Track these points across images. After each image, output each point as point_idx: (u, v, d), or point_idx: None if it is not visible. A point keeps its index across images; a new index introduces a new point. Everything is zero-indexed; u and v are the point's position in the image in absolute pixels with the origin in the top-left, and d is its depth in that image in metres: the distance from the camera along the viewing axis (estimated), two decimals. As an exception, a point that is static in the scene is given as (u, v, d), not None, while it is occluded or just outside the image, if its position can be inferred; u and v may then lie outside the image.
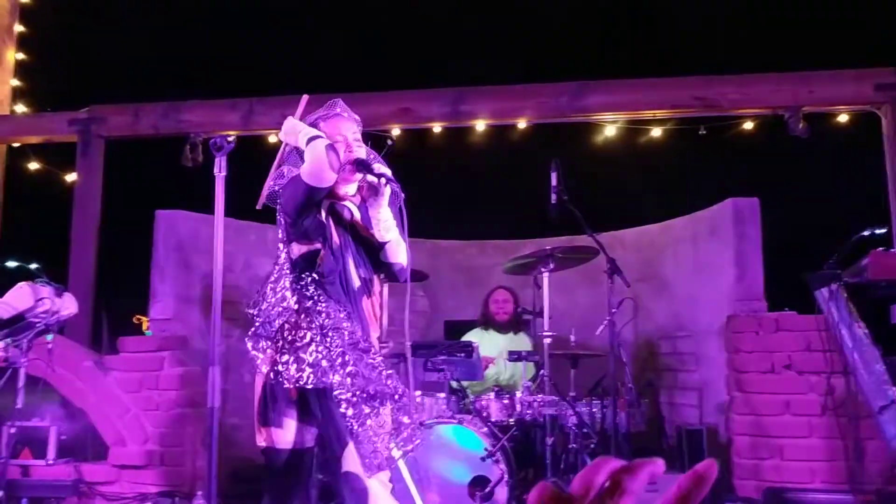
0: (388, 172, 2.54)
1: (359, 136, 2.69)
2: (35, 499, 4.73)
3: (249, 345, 2.52)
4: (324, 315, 2.45)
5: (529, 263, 4.69)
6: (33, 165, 6.58)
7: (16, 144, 6.57)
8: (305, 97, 2.59)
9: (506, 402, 4.42)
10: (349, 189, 2.64)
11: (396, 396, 2.44)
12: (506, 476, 3.92)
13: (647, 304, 5.84)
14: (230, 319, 5.71)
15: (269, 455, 2.52)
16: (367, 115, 3.10)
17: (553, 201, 4.35)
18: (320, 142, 2.42)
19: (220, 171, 2.21)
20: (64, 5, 7.07)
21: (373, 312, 2.57)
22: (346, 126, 2.67)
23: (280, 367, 2.44)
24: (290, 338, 2.46)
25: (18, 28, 6.86)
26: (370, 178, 2.57)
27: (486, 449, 3.95)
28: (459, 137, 6.00)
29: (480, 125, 5.91)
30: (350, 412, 2.35)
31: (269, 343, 2.48)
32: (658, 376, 5.94)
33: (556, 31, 6.96)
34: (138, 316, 5.35)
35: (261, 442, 2.53)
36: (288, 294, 2.47)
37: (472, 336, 5.30)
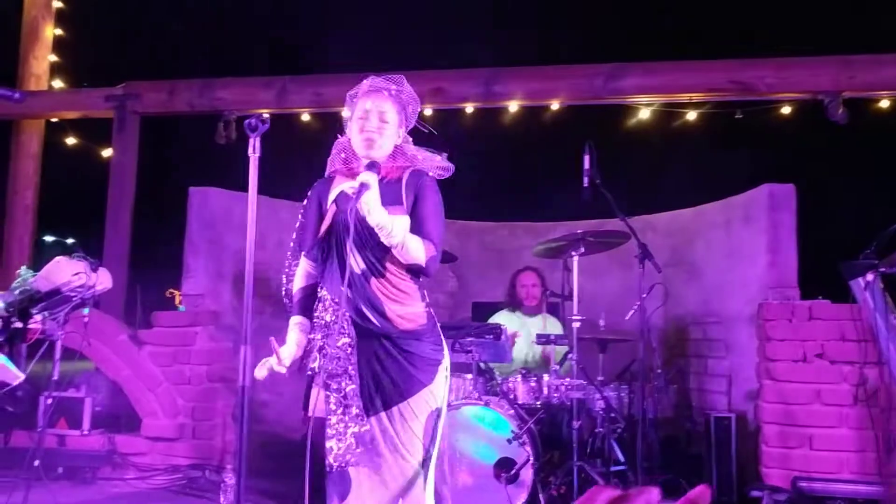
0: (373, 182, 2.39)
1: (390, 116, 2.58)
2: (70, 467, 4.85)
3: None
4: (319, 301, 2.54)
5: (560, 247, 4.67)
6: (70, 140, 6.68)
7: (53, 119, 6.67)
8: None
9: (533, 384, 4.42)
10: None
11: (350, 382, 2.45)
12: (531, 458, 3.93)
13: (677, 289, 5.79)
14: (261, 296, 5.77)
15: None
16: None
17: (585, 184, 4.32)
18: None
19: (254, 151, 2.22)
20: (102, -19, 7.14)
21: (395, 288, 2.52)
22: (376, 103, 2.58)
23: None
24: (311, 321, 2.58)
25: (57, 3, 6.94)
26: (346, 188, 2.53)
27: (512, 431, 3.97)
28: (492, 118, 5.97)
29: (513, 106, 5.87)
30: (329, 400, 2.44)
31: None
32: (687, 362, 5.90)
33: (592, 11, 6.87)
34: (171, 290, 5.43)
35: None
36: (296, 276, 2.66)
37: (500, 318, 5.28)
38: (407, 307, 2.53)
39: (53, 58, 6.88)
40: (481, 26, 6.81)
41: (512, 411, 4.15)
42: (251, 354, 2.11)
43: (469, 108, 5.89)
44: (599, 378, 4.52)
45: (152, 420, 5.02)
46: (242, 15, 7.20)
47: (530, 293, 5.26)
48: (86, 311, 4.12)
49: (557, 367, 4.53)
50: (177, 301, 5.39)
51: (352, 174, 2.60)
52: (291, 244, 2.72)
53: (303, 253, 2.65)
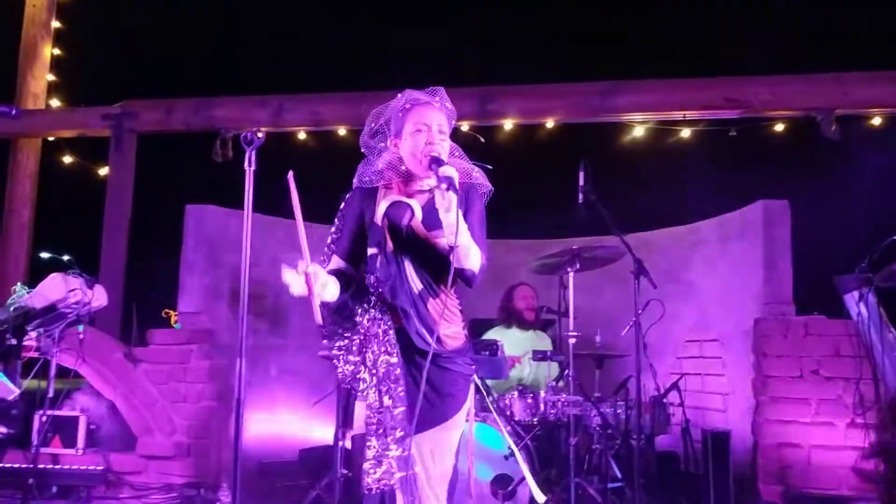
0: (455, 176, 2.32)
1: (445, 127, 2.54)
2: (64, 486, 4.81)
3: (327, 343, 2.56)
4: (369, 321, 2.46)
5: (556, 263, 4.68)
6: (67, 159, 6.71)
7: (50, 138, 6.70)
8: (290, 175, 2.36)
9: (529, 401, 4.41)
10: (423, 185, 2.53)
11: (394, 429, 2.38)
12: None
13: (673, 306, 5.79)
14: (257, 314, 5.78)
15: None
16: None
17: (580, 201, 4.35)
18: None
19: (249, 165, 2.24)
20: (100, 1, 7.18)
21: (447, 309, 2.50)
22: (432, 115, 2.54)
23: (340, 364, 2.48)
24: (346, 337, 2.50)
25: (55, 24, 7.00)
26: (429, 182, 2.47)
27: (509, 448, 3.95)
28: (487, 136, 5.99)
29: (508, 124, 5.91)
30: (371, 419, 2.39)
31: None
32: (684, 379, 5.88)
33: (587, 29, 6.92)
34: (167, 310, 5.43)
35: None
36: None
37: (494, 334, 5.29)
38: (453, 327, 2.54)
39: (51, 77, 6.93)
40: (476, 44, 6.86)
41: (509, 428, 4.14)
42: (246, 369, 2.11)
43: (464, 126, 5.91)
44: (596, 394, 4.52)
45: (147, 438, 4.99)
46: (239, 34, 7.24)
47: (529, 305, 5.32)
48: (80, 328, 4.12)
49: (554, 383, 4.53)
50: (172, 321, 5.39)
51: (408, 191, 2.54)
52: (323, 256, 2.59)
53: (334, 255, 2.57)
